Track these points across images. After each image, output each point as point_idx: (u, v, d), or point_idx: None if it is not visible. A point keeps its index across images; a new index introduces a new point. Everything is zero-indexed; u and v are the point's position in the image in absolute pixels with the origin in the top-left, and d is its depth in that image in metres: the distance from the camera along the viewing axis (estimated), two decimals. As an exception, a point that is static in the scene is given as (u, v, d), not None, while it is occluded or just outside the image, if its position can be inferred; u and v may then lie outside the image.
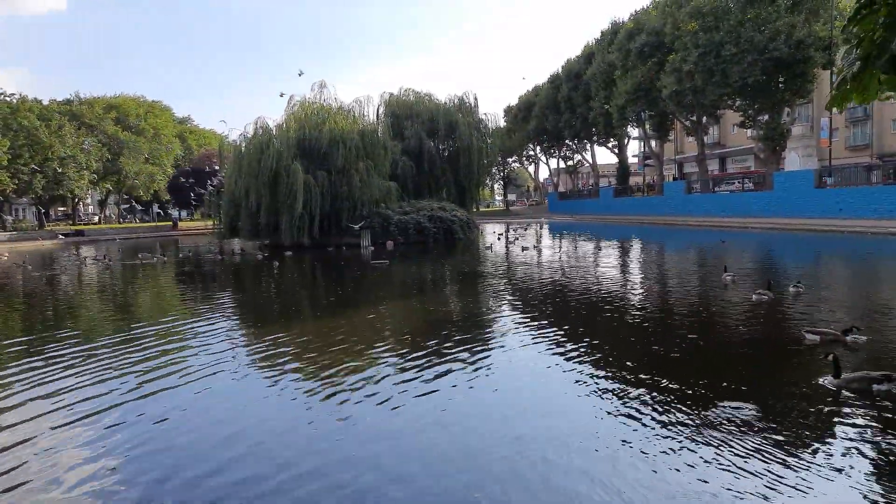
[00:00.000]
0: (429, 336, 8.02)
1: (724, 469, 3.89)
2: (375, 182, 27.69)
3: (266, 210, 25.91)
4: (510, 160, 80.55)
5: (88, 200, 78.80)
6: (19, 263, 22.97)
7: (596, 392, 5.51)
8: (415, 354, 7.02)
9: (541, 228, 40.97)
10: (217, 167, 37.91)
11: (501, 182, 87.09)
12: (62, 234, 45.05)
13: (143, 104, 68.95)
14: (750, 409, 4.86)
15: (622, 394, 5.39)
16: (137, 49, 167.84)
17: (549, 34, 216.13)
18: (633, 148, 70.47)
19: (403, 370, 6.38)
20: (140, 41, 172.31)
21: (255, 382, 6.29)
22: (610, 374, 6.01)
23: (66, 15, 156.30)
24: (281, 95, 75.85)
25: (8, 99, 49.99)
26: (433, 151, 35.12)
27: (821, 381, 5.48)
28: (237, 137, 29.83)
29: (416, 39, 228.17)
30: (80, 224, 60.19)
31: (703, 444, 4.27)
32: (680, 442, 4.32)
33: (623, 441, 4.37)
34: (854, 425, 4.55)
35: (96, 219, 71.01)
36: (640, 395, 5.34)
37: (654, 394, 5.35)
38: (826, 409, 4.93)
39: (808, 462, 3.96)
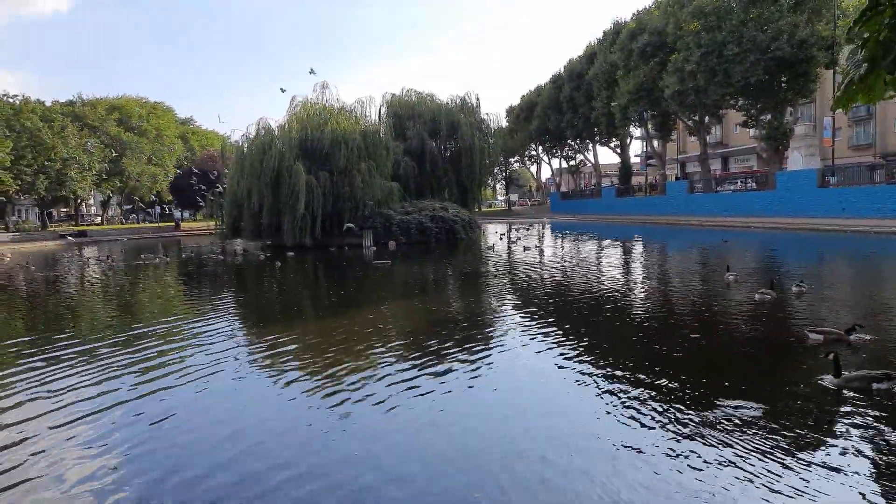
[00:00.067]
0: (429, 336, 8.02)
1: (724, 469, 3.88)
2: (377, 182, 27.72)
3: (268, 211, 25.94)
4: (512, 160, 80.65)
5: (91, 201, 79.08)
6: (22, 264, 23.02)
7: (596, 392, 5.49)
8: (415, 354, 7.02)
9: (543, 228, 40.91)
10: (225, 169, 37.88)
11: (503, 182, 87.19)
12: (70, 236, 45.12)
13: (145, 105, 69.21)
14: (750, 409, 4.85)
15: (622, 394, 5.38)
16: (139, 50, 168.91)
17: (550, 34, 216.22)
18: (636, 148, 70.63)
19: (403, 370, 6.38)
20: (141, 42, 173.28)
21: (255, 382, 6.30)
22: (610, 374, 6.00)
23: (68, 16, 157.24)
24: (282, 91, 75.15)
25: (11, 100, 50.20)
26: (435, 152, 35.15)
27: (821, 380, 5.46)
28: (239, 138, 29.90)
29: (416, 39, 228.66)
30: (82, 225, 60.36)
31: (703, 443, 4.26)
32: (680, 442, 4.32)
33: (623, 441, 4.36)
34: (854, 425, 4.54)
35: (99, 219, 71.22)
36: (640, 395, 5.33)
37: (655, 394, 5.34)
38: (826, 408, 4.92)
39: (808, 462, 3.95)
